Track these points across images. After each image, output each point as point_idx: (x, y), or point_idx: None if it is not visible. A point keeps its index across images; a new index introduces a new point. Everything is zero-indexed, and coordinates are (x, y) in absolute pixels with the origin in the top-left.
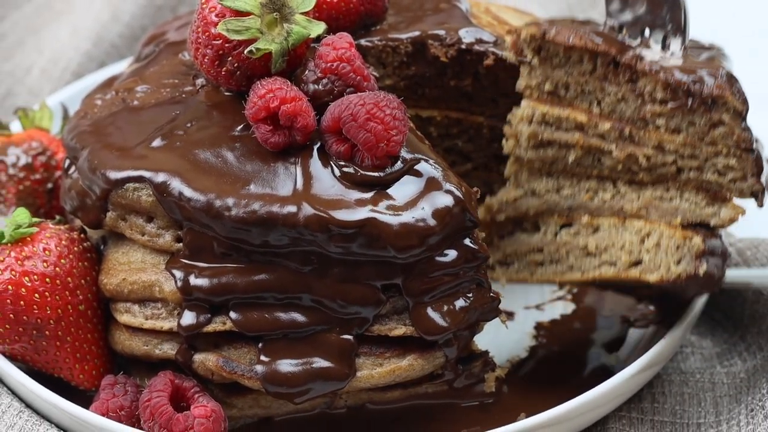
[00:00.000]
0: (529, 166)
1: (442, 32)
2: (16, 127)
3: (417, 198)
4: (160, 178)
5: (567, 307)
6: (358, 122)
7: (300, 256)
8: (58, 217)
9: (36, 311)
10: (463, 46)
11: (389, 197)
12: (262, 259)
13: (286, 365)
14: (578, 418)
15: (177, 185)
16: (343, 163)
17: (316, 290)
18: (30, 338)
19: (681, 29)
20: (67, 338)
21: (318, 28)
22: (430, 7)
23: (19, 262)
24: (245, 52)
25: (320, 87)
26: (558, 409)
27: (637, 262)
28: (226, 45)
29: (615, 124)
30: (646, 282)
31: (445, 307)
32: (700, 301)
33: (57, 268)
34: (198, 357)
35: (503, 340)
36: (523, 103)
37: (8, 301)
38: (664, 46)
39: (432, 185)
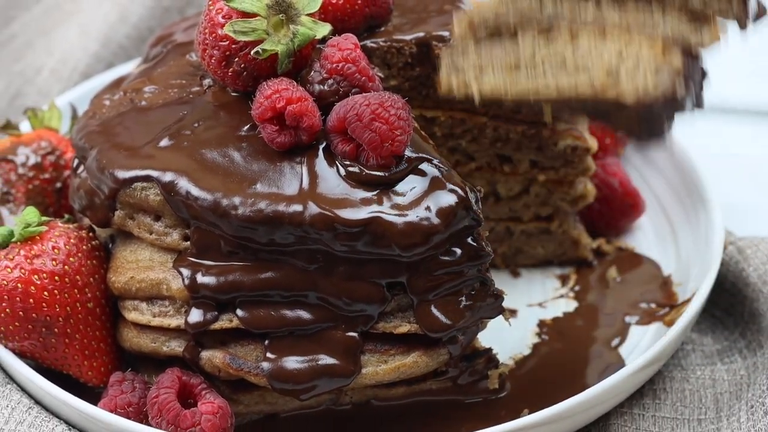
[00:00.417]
0: None
1: (446, 34)
2: (25, 127)
3: (421, 197)
4: (168, 177)
5: (569, 305)
6: (363, 122)
7: (306, 254)
8: (66, 216)
9: (45, 309)
10: None
11: (394, 196)
12: (268, 257)
13: (292, 362)
14: (581, 415)
15: (184, 184)
16: (348, 162)
17: (322, 288)
18: (39, 335)
19: None
20: (75, 335)
21: (323, 29)
22: (434, 9)
23: (28, 260)
24: (252, 53)
25: (326, 87)
26: (561, 406)
27: (615, 81)
28: (233, 46)
29: None
30: (623, 104)
31: (449, 305)
32: (701, 299)
33: (66, 267)
34: (205, 354)
35: (506, 337)
36: None
37: (17, 298)
38: None
39: (436, 184)
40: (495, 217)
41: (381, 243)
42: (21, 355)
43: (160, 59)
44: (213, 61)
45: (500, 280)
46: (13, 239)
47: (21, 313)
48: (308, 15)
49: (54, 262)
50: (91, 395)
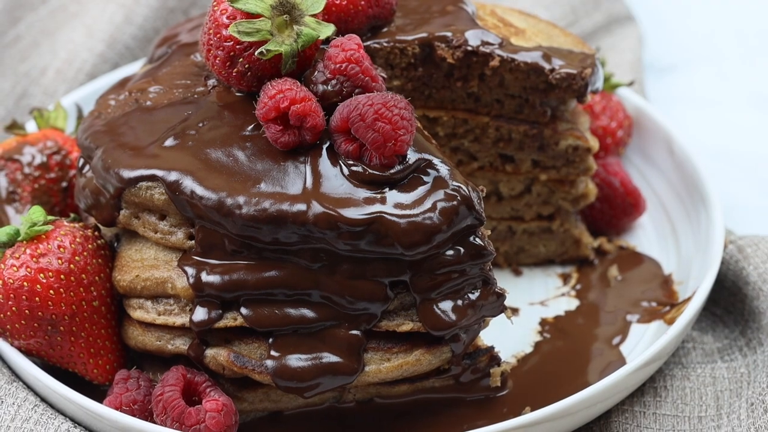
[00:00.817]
0: None
1: (448, 34)
2: (31, 126)
3: (424, 196)
4: (173, 176)
5: (571, 303)
6: (367, 122)
7: (309, 253)
8: (72, 215)
9: (51, 307)
10: (470, 48)
11: (397, 195)
12: (272, 256)
13: (296, 360)
14: (582, 412)
15: (189, 184)
16: (351, 162)
17: (325, 287)
18: (45, 334)
19: None
20: (81, 334)
21: (327, 30)
22: (437, 10)
23: (34, 259)
24: (256, 53)
25: (329, 88)
26: (562, 403)
27: None
28: (237, 46)
29: None
30: None
31: (452, 304)
32: (702, 298)
33: (71, 265)
34: (209, 352)
35: (508, 335)
36: None
37: (24, 297)
38: None
39: (439, 184)
40: (497, 216)
41: (384, 242)
42: (27, 353)
43: (164, 60)
44: (217, 61)
45: (502, 279)
46: (19, 238)
47: (27, 311)
48: (312, 16)
49: (60, 261)
50: (97, 393)
